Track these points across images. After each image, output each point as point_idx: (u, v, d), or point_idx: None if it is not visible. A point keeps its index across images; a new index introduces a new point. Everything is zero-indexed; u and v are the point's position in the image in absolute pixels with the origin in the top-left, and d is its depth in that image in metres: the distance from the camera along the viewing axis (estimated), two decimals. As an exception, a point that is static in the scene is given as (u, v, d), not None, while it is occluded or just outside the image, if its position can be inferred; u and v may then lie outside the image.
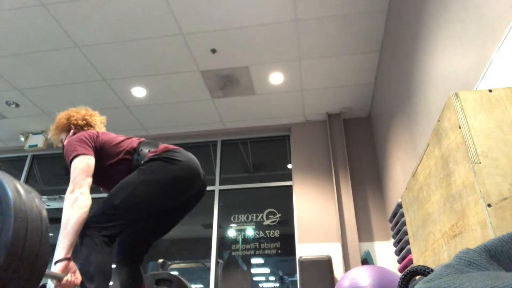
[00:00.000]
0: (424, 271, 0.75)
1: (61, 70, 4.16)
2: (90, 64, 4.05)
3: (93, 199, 1.65)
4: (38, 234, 1.01)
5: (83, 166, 1.67)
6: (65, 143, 1.84)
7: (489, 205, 1.01)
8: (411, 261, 2.20)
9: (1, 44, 3.80)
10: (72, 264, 1.50)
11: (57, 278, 1.45)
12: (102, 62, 4.04)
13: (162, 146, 1.83)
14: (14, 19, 3.51)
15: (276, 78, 4.31)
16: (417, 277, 1.45)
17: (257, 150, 5.47)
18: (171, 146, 1.84)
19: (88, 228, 1.58)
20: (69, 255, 1.50)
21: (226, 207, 5.00)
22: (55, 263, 1.48)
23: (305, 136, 5.00)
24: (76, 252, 1.57)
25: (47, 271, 1.25)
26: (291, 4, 3.37)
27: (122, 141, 1.87)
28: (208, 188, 5.57)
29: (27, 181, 5.54)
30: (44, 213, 1.07)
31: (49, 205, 5.23)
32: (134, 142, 1.87)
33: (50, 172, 5.63)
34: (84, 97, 4.60)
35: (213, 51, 3.90)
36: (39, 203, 1.07)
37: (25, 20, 3.53)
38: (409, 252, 2.33)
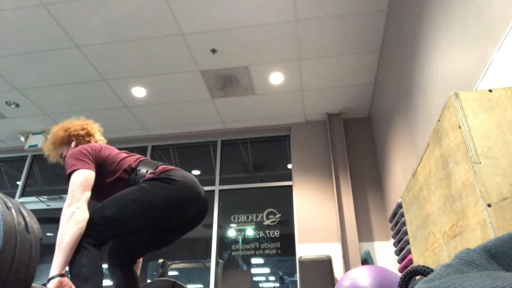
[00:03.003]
0: (424, 271, 0.75)
1: (61, 70, 4.16)
2: (90, 64, 4.05)
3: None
4: (26, 257, 1.00)
5: (81, 180, 1.65)
6: (67, 155, 1.80)
7: (489, 205, 1.01)
8: (411, 261, 2.20)
9: (1, 44, 3.80)
10: (66, 280, 1.47)
11: None
12: (102, 62, 4.04)
13: (161, 167, 1.79)
14: (14, 19, 3.51)
15: (276, 78, 4.31)
16: (417, 277, 1.45)
17: (257, 150, 5.47)
18: (170, 167, 1.80)
19: (85, 235, 1.57)
20: (63, 272, 1.47)
21: (226, 207, 5.00)
22: (49, 280, 1.45)
23: (305, 136, 5.00)
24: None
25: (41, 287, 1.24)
26: (291, 4, 3.37)
27: (123, 158, 1.83)
28: (208, 188, 5.58)
29: (27, 181, 5.54)
30: (34, 239, 1.05)
31: (49, 205, 5.23)
32: (133, 161, 1.83)
33: (50, 172, 5.62)
34: (84, 97, 4.60)
35: (213, 51, 3.90)
36: (30, 221, 1.06)
37: (25, 20, 3.52)
38: (409, 252, 2.33)
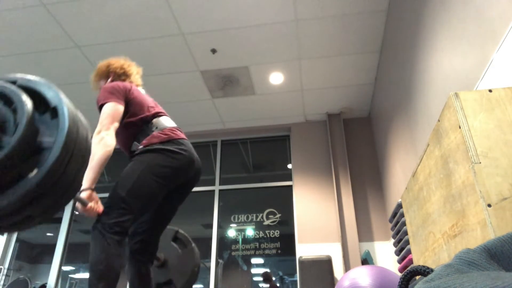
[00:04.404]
0: (424, 271, 0.75)
1: (61, 70, 4.16)
2: (90, 64, 4.05)
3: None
4: (83, 147, 1.13)
5: (112, 111, 1.80)
6: (101, 88, 1.96)
7: (489, 205, 1.01)
8: (411, 261, 2.20)
9: (1, 44, 3.80)
10: (95, 194, 1.65)
11: (83, 203, 1.61)
12: (102, 62, 4.04)
13: (167, 130, 1.89)
14: (14, 19, 3.51)
15: (276, 78, 4.31)
16: (417, 277, 1.45)
17: (257, 150, 5.47)
18: (175, 133, 1.90)
19: (101, 225, 1.61)
20: (93, 186, 1.64)
21: (226, 207, 5.00)
22: (80, 192, 1.61)
23: (305, 136, 5.00)
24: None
25: (77, 195, 1.46)
26: (291, 4, 3.37)
27: (146, 107, 1.95)
28: (208, 188, 5.57)
29: (27, 181, 5.54)
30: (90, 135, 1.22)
31: (49, 205, 5.22)
32: (150, 112, 1.94)
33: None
34: (84, 97, 4.59)
35: (213, 51, 3.90)
36: (86, 125, 1.21)
37: (25, 20, 3.53)
38: (409, 252, 2.33)
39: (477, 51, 1.85)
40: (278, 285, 4.86)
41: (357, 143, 4.87)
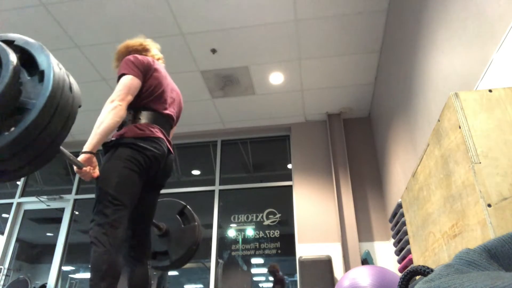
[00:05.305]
0: (424, 271, 0.75)
1: (61, 70, 4.16)
2: (90, 64, 4.05)
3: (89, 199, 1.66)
4: (68, 103, 1.20)
5: (129, 83, 1.81)
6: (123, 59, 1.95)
7: (489, 205, 1.01)
8: (411, 261, 2.20)
9: (1, 44, 3.80)
10: (94, 159, 1.65)
11: (78, 166, 1.60)
12: (102, 62, 4.04)
13: (144, 127, 1.85)
14: (14, 19, 3.51)
15: (276, 78, 4.31)
16: (417, 277, 1.45)
17: (257, 150, 5.47)
18: (150, 133, 1.85)
19: (101, 224, 1.60)
20: (94, 151, 1.65)
21: (226, 207, 5.00)
22: (81, 153, 1.62)
23: (305, 136, 5.00)
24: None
25: (72, 156, 1.49)
26: (291, 4, 3.37)
27: (154, 94, 1.93)
28: (208, 188, 5.57)
29: (27, 181, 5.54)
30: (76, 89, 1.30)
31: (49, 205, 5.23)
32: (141, 104, 1.91)
33: (50, 172, 5.62)
34: (84, 97, 4.58)
35: (213, 51, 3.90)
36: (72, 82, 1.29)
37: (25, 20, 3.53)
38: (409, 252, 2.33)
39: (477, 51, 1.85)
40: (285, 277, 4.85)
41: (357, 143, 4.87)
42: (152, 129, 1.88)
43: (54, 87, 1.12)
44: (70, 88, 1.27)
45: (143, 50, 2.17)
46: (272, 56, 4.00)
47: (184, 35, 3.71)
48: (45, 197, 5.25)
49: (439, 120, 1.30)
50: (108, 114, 1.70)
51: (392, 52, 3.52)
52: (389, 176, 4.12)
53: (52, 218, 5.44)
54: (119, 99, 1.76)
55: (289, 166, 5.03)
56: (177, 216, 2.44)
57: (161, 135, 1.91)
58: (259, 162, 5.55)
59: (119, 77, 1.86)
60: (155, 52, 2.25)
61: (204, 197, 5.00)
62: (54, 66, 1.17)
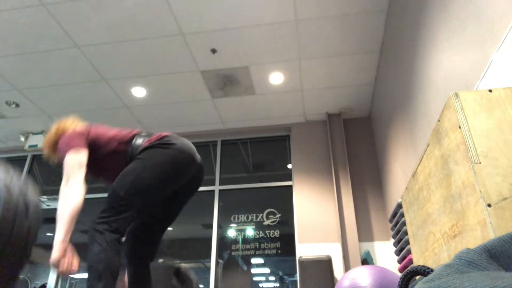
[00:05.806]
0: (424, 271, 0.75)
1: (61, 70, 4.16)
2: (90, 64, 4.05)
3: (94, 199, 1.66)
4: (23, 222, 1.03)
5: (75, 159, 1.71)
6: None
7: (489, 205, 1.01)
8: (411, 261, 2.20)
9: (1, 44, 3.80)
10: (70, 247, 1.55)
11: (53, 265, 1.50)
12: (102, 62, 4.04)
13: (156, 134, 1.87)
14: (14, 19, 3.51)
15: (276, 78, 4.31)
16: (417, 277, 1.45)
17: (257, 150, 5.47)
18: (165, 133, 1.87)
19: (99, 223, 1.60)
20: (67, 238, 1.54)
21: (226, 207, 5.00)
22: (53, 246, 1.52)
23: (305, 136, 5.00)
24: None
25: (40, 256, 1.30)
26: (291, 4, 3.37)
27: (117, 132, 1.91)
28: (208, 188, 5.56)
29: (27, 181, 5.53)
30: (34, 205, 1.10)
31: (49, 205, 5.23)
32: (128, 133, 1.90)
33: (50, 172, 5.62)
34: (84, 97, 4.60)
35: (213, 51, 3.90)
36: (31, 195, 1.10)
37: (25, 20, 3.52)
38: (409, 252, 2.33)
39: (477, 51, 1.85)
40: (278, 285, 4.86)
41: (357, 143, 4.86)
42: (162, 133, 1.88)
43: (2, 224, 1.00)
44: (26, 212, 1.11)
45: (72, 125, 2.04)
46: (272, 56, 4.00)
47: (184, 35, 3.71)
48: (45, 197, 5.25)
49: (439, 120, 1.30)
50: (65, 203, 1.59)
51: (392, 52, 3.52)
52: (389, 176, 4.12)
53: (52, 218, 5.43)
54: (71, 179, 1.66)
55: (289, 166, 5.03)
56: (174, 276, 2.45)
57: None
58: (259, 162, 5.55)
59: (63, 158, 1.75)
60: (80, 124, 2.10)
61: (204, 197, 5.00)
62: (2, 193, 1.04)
